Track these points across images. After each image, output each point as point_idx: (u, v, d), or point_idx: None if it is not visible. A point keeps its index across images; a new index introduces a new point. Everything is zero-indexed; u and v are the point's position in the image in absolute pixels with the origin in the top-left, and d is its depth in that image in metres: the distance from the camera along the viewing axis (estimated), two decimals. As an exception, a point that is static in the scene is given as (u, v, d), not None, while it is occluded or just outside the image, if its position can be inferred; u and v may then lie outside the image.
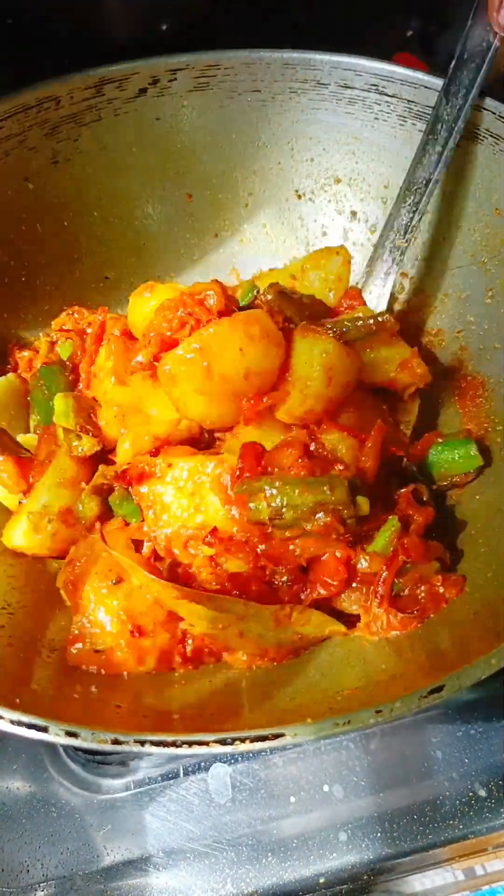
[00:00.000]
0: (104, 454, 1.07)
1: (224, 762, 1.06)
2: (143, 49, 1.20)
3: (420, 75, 1.17)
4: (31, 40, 1.27)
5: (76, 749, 1.07)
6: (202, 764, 1.06)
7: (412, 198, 1.16)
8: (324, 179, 1.33)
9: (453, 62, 1.11)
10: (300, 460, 0.94)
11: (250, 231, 1.36)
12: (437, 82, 1.15)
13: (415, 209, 1.16)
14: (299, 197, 1.34)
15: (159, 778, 1.06)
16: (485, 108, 1.12)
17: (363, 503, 0.91)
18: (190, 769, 1.06)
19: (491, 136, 1.12)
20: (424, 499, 1.00)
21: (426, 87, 1.17)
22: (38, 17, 1.23)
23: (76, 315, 1.24)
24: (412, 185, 1.16)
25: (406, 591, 0.93)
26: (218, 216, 1.36)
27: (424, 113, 1.18)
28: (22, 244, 1.22)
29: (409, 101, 1.19)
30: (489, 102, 1.11)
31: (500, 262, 1.15)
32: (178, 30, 1.14)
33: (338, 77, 1.22)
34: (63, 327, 1.23)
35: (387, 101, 1.21)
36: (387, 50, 1.15)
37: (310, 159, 1.31)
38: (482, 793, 1.03)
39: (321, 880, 0.99)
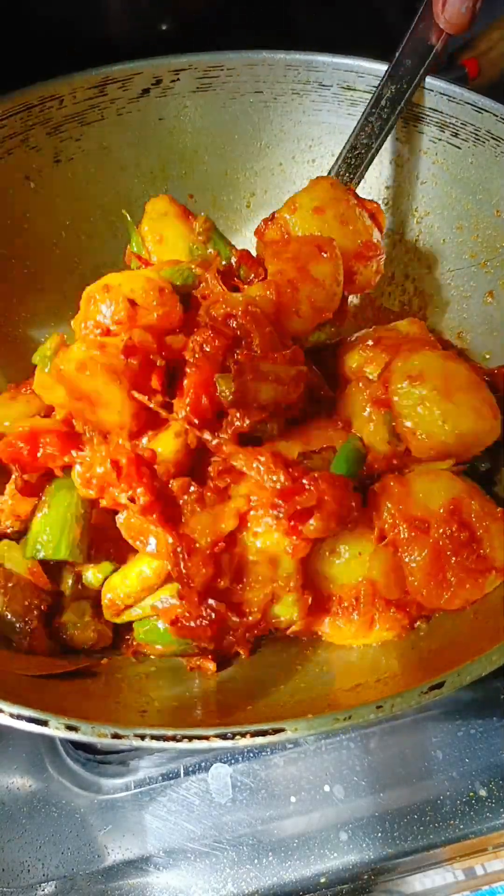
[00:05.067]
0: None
1: (224, 762, 1.06)
2: (143, 49, 1.21)
3: (421, 77, 1.18)
4: (32, 40, 1.27)
5: (76, 748, 1.08)
6: (203, 764, 1.06)
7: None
8: (325, 181, 1.33)
9: (398, 52, 1.16)
10: None
11: (251, 231, 1.36)
12: (439, 84, 1.16)
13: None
14: (301, 198, 1.35)
15: (160, 778, 1.05)
16: (486, 111, 1.12)
17: None
18: (190, 769, 1.06)
19: (493, 138, 1.13)
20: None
21: (427, 90, 1.17)
22: (39, 16, 1.24)
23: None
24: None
25: None
26: (220, 217, 1.36)
27: (426, 115, 1.19)
28: (23, 243, 1.23)
29: (410, 102, 1.19)
30: (491, 105, 1.12)
31: (501, 263, 1.16)
32: (179, 30, 1.14)
33: (340, 79, 1.23)
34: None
35: (388, 103, 1.21)
36: (387, 51, 1.15)
37: (311, 160, 1.31)
38: (482, 793, 1.03)
39: (322, 880, 0.99)
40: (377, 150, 1.18)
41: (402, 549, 0.93)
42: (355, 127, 1.17)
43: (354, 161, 1.17)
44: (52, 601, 0.98)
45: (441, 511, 0.92)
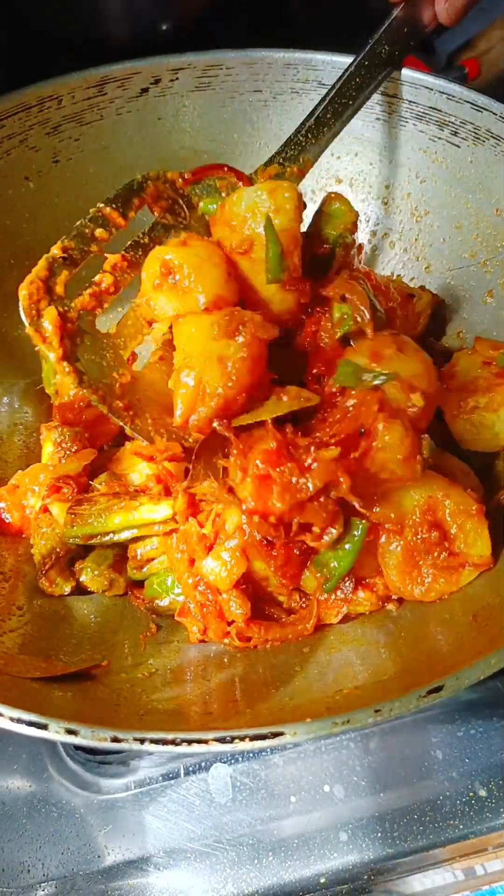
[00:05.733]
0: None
1: (224, 762, 1.06)
2: (144, 49, 1.20)
3: (421, 76, 1.17)
4: (32, 40, 1.27)
5: (76, 749, 1.08)
6: (203, 764, 1.06)
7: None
8: (325, 180, 1.33)
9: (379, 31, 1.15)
10: None
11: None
12: (438, 83, 1.16)
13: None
14: (300, 197, 1.34)
15: (160, 778, 1.06)
16: (486, 110, 1.12)
17: None
18: (190, 769, 1.06)
19: (492, 137, 1.12)
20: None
21: (427, 88, 1.17)
22: (39, 17, 1.23)
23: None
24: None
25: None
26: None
27: (426, 114, 1.19)
28: (22, 243, 1.22)
29: (410, 101, 1.19)
30: (490, 104, 1.11)
31: (501, 262, 1.15)
32: (179, 30, 1.14)
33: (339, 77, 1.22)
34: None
35: (388, 102, 1.21)
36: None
37: (311, 160, 1.31)
38: (482, 793, 1.03)
39: (322, 880, 0.99)
40: (360, 104, 1.16)
41: (379, 546, 0.97)
42: (343, 74, 1.15)
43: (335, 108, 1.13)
44: (78, 549, 1.08)
45: (416, 511, 0.94)
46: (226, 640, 0.97)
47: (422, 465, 0.92)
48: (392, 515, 0.95)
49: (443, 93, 1.16)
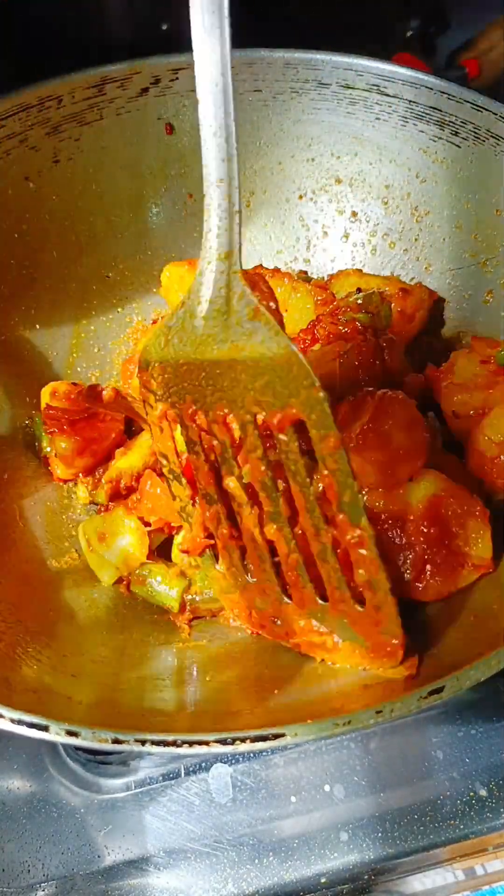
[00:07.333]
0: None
1: (225, 762, 1.06)
2: (144, 49, 1.20)
3: (421, 76, 1.17)
4: (32, 40, 1.27)
5: (77, 749, 1.08)
6: (203, 764, 1.06)
7: None
8: (325, 180, 1.32)
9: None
10: None
11: (251, 231, 1.36)
12: (438, 83, 1.16)
13: None
14: (300, 197, 1.34)
15: (160, 778, 1.06)
16: (486, 109, 1.12)
17: None
18: (191, 769, 1.06)
19: (492, 136, 1.12)
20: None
21: (427, 88, 1.17)
22: (39, 17, 1.23)
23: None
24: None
25: None
26: (219, 216, 1.36)
27: (426, 113, 1.18)
28: (21, 244, 1.22)
29: (410, 101, 1.19)
30: (490, 103, 1.11)
31: (501, 262, 1.15)
32: (179, 30, 1.14)
33: (339, 77, 1.22)
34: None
35: (388, 102, 1.21)
36: (387, 50, 1.15)
37: (311, 159, 1.31)
38: (483, 793, 1.03)
39: (322, 880, 0.99)
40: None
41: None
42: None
43: None
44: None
45: (419, 508, 0.94)
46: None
47: (430, 433, 0.93)
48: (396, 509, 0.94)
49: (443, 93, 1.15)
